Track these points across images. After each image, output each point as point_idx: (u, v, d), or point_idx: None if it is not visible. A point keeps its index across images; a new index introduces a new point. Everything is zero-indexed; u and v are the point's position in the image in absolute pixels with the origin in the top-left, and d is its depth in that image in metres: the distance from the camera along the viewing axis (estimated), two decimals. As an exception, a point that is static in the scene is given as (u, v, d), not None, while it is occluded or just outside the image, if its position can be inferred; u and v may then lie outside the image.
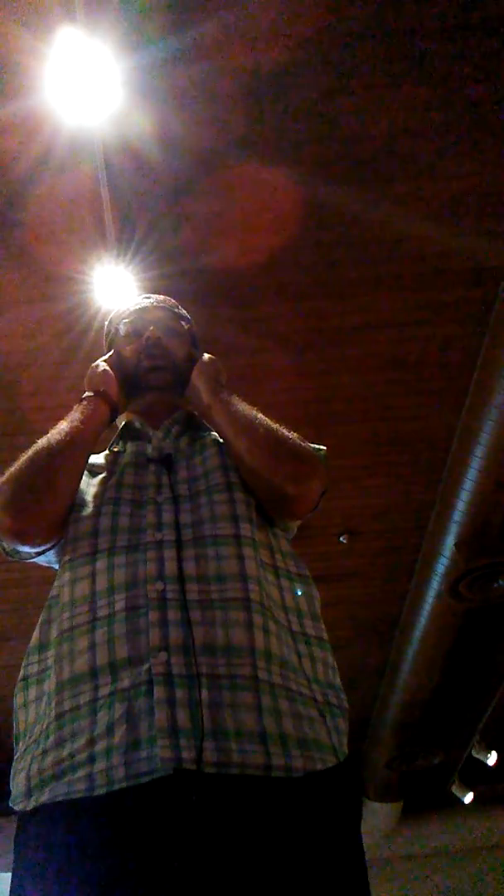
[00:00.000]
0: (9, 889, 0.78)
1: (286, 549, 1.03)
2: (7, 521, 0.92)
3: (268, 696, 0.80)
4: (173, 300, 1.34)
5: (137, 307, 1.27)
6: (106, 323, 1.33)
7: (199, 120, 2.44)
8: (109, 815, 0.73)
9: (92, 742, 0.77)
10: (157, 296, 1.33)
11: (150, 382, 1.19)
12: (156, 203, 2.67)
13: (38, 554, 1.01)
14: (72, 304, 2.88)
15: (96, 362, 1.19)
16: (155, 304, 1.28)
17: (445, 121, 2.51)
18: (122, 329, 1.25)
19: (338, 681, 0.92)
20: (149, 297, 1.31)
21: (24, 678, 0.91)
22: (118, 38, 2.12)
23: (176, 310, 1.30)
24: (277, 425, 1.04)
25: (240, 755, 0.75)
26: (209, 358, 1.19)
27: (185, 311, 1.33)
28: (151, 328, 1.20)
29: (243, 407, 1.06)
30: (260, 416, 1.05)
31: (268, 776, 0.75)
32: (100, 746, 0.76)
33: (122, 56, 2.12)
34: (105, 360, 1.20)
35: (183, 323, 1.28)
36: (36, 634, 0.93)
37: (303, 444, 1.03)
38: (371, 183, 2.68)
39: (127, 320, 1.25)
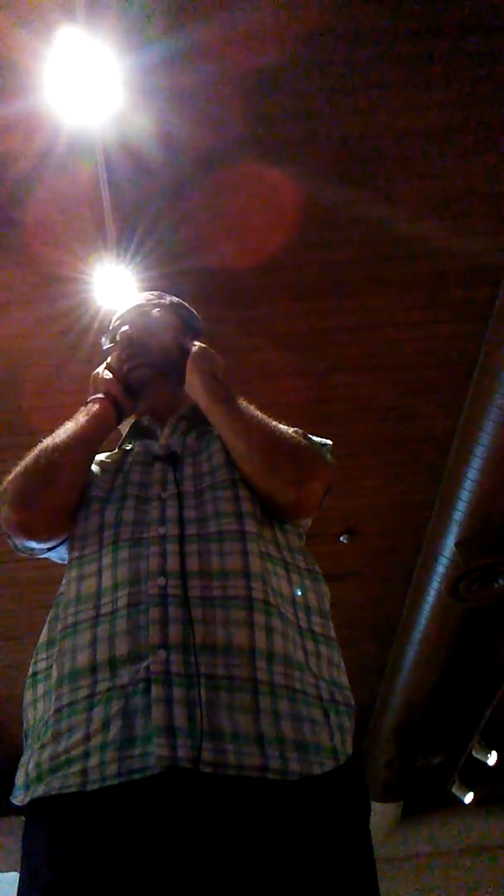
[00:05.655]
0: (10, 889, 0.78)
1: (295, 544, 1.02)
2: (13, 516, 0.94)
3: (267, 697, 0.80)
4: (158, 292, 1.34)
5: (122, 312, 1.29)
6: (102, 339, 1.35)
7: (199, 120, 2.44)
8: (101, 810, 0.73)
9: (87, 737, 0.77)
10: (144, 293, 1.35)
11: (133, 383, 1.20)
12: (156, 203, 2.66)
13: (49, 549, 1.02)
14: (72, 304, 2.87)
15: (96, 370, 1.21)
16: (136, 304, 1.29)
17: (446, 121, 2.51)
18: (105, 342, 1.27)
19: (344, 679, 0.91)
20: (136, 299, 1.33)
21: (33, 674, 0.92)
22: (119, 38, 2.12)
23: (159, 301, 1.30)
24: (276, 424, 1.02)
25: (236, 756, 0.75)
26: (201, 349, 1.18)
27: (173, 299, 1.32)
28: (122, 331, 1.22)
29: (240, 407, 1.05)
30: (257, 416, 1.03)
31: (264, 778, 0.74)
32: (94, 742, 0.77)
33: (122, 56, 2.12)
34: (104, 367, 1.22)
35: (166, 314, 1.27)
36: (44, 631, 0.94)
37: (302, 444, 1.02)
38: (371, 183, 2.67)
39: (112, 327, 1.28)
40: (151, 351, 1.21)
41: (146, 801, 0.72)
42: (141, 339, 1.21)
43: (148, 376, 1.20)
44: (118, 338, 1.22)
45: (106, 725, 0.77)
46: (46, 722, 0.83)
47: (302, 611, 0.93)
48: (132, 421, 1.21)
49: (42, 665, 0.91)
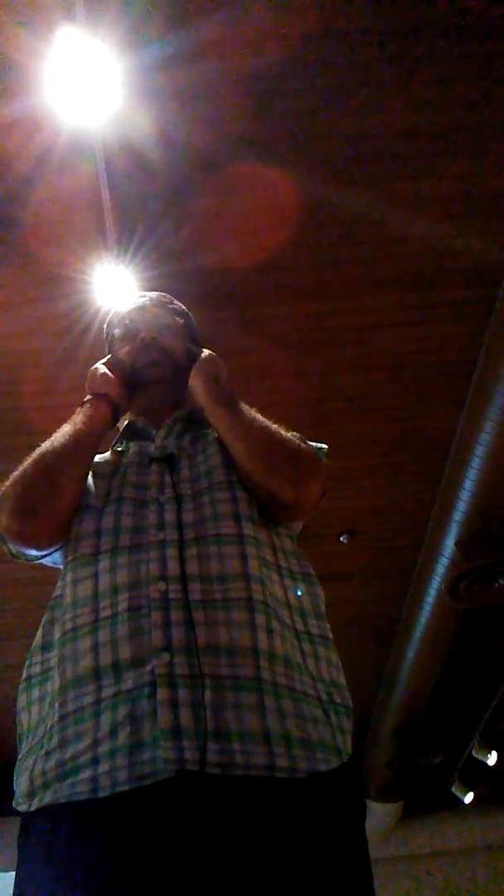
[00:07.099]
0: (10, 889, 0.78)
1: (290, 547, 1.02)
2: (14, 526, 0.93)
3: (271, 696, 0.80)
4: (169, 296, 1.35)
5: (132, 308, 1.28)
6: (105, 326, 1.34)
7: (199, 120, 2.44)
8: (113, 817, 0.72)
9: (95, 744, 0.77)
10: (153, 293, 1.34)
11: (147, 378, 1.19)
12: (156, 203, 2.67)
13: (44, 556, 1.01)
14: (72, 304, 2.87)
15: (95, 365, 1.20)
16: (150, 303, 1.29)
17: (445, 121, 2.51)
18: (118, 332, 1.26)
19: (342, 680, 0.92)
20: (144, 296, 1.32)
21: (28, 678, 0.91)
22: (118, 38, 2.12)
23: (171, 305, 1.31)
24: (276, 427, 1.03)
25: (243, 756, 0.75)
26: (208, 356, 1.18)
27: (181, 306, 1.34)
28: (146, 330, 1.21)
29: (240, 409, 1.05)
30: (258, 418, 1.04)
31: (271, 777, 0.74)
32: (103, 748, 0.76)
33: (122, 56, 2.12)
34: (104, 363, 1.21)
35: (178, 318, 1.28)
36: (39, 634, 0.93)
37: (301, 446, 1.02)
38: (371, 183, 2.68)
39: (123, 322, 1.27)
40: (174, 354, 1.22)
41: (155, 806, 0.72)
42: (165, 342, 1.22)
43: (160, 377, 1.20)
44: (141, 335, 1.21)
45: (114, 731, 0.77)
46: (50, 729, 0.82)
47: (297, 613, 0.93)
48: (126, 422, 1.21)
49: (37, 668, 0.90)
